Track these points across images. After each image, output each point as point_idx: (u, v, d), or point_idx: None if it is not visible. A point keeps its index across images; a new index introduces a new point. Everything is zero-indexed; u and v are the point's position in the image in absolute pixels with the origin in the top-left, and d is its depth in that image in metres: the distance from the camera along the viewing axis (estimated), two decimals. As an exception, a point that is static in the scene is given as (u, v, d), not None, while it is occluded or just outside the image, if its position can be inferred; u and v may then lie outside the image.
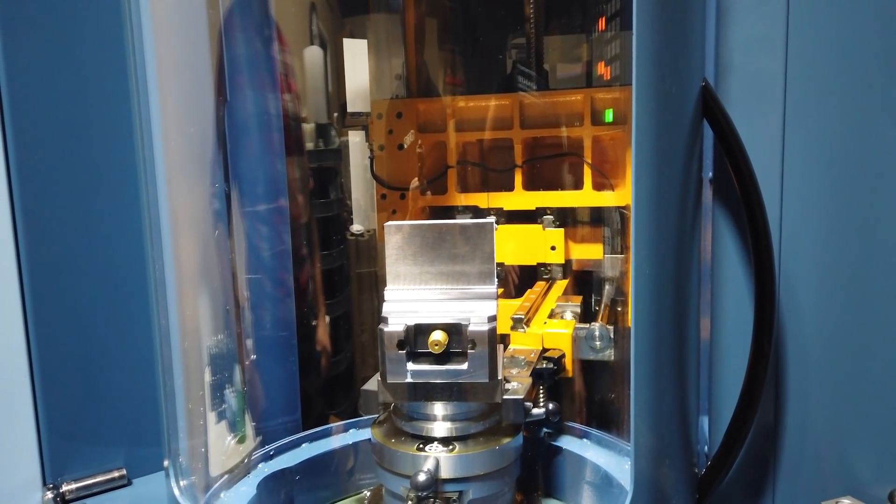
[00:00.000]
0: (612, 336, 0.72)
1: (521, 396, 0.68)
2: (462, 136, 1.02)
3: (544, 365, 0.73)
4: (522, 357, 0.74)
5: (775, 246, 0.62)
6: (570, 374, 0.73)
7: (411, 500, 0.69)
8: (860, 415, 0.59)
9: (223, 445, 0.75)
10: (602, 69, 0.94)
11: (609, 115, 0.90)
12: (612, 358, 0.72)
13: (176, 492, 0.61)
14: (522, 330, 0.75)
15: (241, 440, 0.77)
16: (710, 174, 0.63)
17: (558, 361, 0.72)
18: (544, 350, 0.75)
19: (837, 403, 0.61)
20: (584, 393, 0.76)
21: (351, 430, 0.90)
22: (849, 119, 0.57)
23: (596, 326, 0.73)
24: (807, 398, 0.62)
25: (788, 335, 0.63)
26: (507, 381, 0.68)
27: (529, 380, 0.70)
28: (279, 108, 0.86)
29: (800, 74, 0.59)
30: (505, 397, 0.67)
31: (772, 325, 0.58)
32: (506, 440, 0.72)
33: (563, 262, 0.97)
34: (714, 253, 0.64)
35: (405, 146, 1.04)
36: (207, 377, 0.71)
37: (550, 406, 0.82)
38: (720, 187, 0.63)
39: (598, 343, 0.72)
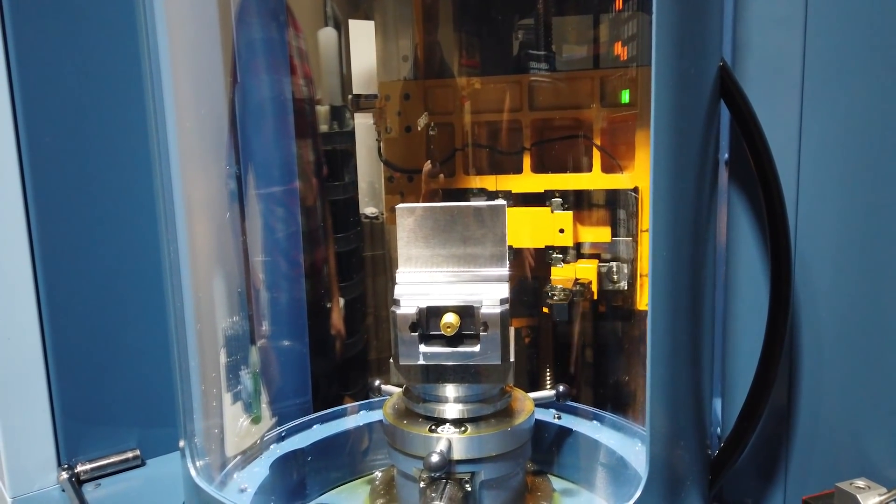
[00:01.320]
0: (625, 272, 0.92)
1: (565, 303, 0.90)
2: (470, 118, 1.02)
3: (577, 288, 0.92)
4: (560, 285, 0.93)
5: (791, 227, 0.61)
6: (595, 297, 0.93)
7: (423, 480, 0.70)
8: (875, 397, 0.59)
9: (238, 426, 0.76)
10: (619, 49, 0.93)
11: (625, 96, 0.90)
12: (624, 289, 0.93)
13: (192, 472, 0.61)
14: (560, 265, 0.94)
15: (257, 420, 0.77)
16: (727, 155, 0.63)
17: (587, 286, 0.93)
18: (577, 280, 0.93)
19: (852, 385, 0.60)
20: (603, 313, 0.98)
21: (362, 412, 0.90)
22: (868, 100, 0.56)
23: (614, 264, 0.93)
24: (820, 380, 0.62)
25: (803, 317, 0.63)
26: (553, 296, 0.91)
27: (569, 296, 0.91)
28: (290, 89, 0.86)
29: (818, 54, 0.58)
30: (551, 303, 0.91)
31: (788, 306, 0.58)
32: (517, 421, 0.72)
33: (571, 244, 0.97)
34: (729, 235, 0.64)
35: (413, 128, 1.03)
36: (222, 358, 0.71)
37: (561, 388, 0.83)
38: (736, 169, 0.63)
39: (615, 276, 0.93)
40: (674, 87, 0.50)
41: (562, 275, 0.95)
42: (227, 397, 0.73)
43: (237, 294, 0.76)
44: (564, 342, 1.01)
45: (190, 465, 0.62)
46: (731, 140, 0.62)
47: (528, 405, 0.76)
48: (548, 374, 1.03)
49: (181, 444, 0.65)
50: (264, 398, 0.80)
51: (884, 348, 0.58)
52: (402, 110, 1.04)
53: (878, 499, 0.53)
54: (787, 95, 0.59)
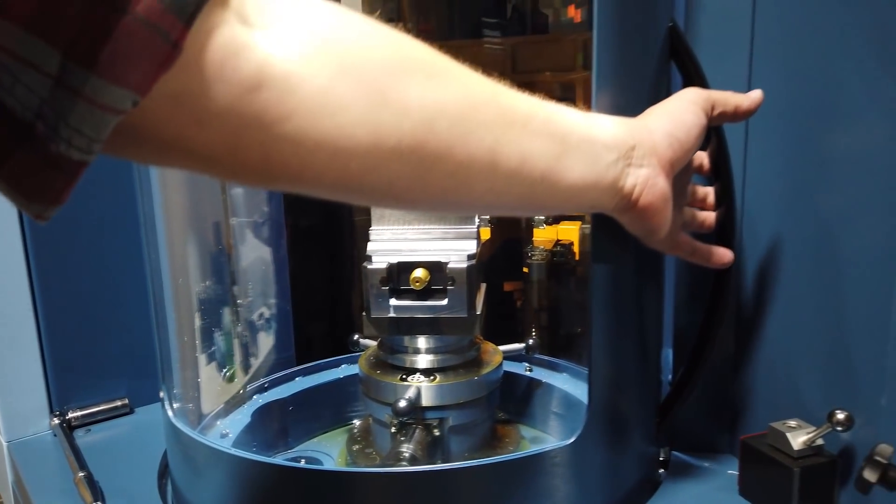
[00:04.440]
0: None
1: (543, 263, 0.94)
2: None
3: (558, 249, 0.95)
4: (541, 246, 0.97)
5: (739, 183, 0.64)
6: (577, 258, 0.95)
7: (395, 426, 0.74)
8: (809, 345, 0.62)
9: (214, 380, 0.80)
10: (572, 12, 0.95)
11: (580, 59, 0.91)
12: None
13: (170, 414, 0.65)
14: (543, 227, 0.97)
15: (231, 378, 0.81)
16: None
17: (568, 248, 0.95)
18: (558, 241, 0.96)
19: (790, 334, 0.63)
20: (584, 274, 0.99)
21: (343, 366, 0.94)
22: (811, 60, 0.58)
23: None
24: (764, 329, 0.65)
25: (749, 270, 0.66)
26: (532, 256, 0.96)
27: (548, 256, 0.95)
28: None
29: (767, 15, 0.59)
30: (530, 262, 0.95)
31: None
32: (485, 371, 0.76)
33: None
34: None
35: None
36: (196, 318, 0.74)
37: (530, 341, 0.87)
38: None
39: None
40: (618, 48, 0.52)
41: (544, 236, 0.98)
42: (201, 353, 0.76)
43: (209, 254, 0.79)
44: (546, 302, 1.04)
45: (168, 409, 0.66)
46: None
47: (497, 357, 0.79)
48: (533, 332, 1.06)
49: (161, 393, 0.69)
50: (237, 357, 0.83)
51: (818, 300, 0.61)
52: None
53: (805, 437, 0.57)
54: (737, 54, 0.60)
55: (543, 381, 0.88)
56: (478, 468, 0.56)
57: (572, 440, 0.57)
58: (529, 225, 1.01)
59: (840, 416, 0.54)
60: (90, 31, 0.27)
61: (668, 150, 0.50)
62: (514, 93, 0.46)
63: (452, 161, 0.41)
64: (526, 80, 0.98)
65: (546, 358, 0.91)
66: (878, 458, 0.50)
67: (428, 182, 0.41)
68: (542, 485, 0.57)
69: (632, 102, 0.54)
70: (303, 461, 0.79)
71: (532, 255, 0.97)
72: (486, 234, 0.98)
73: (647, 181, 0.49)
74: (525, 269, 0.98)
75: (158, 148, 0.36)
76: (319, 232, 1.05)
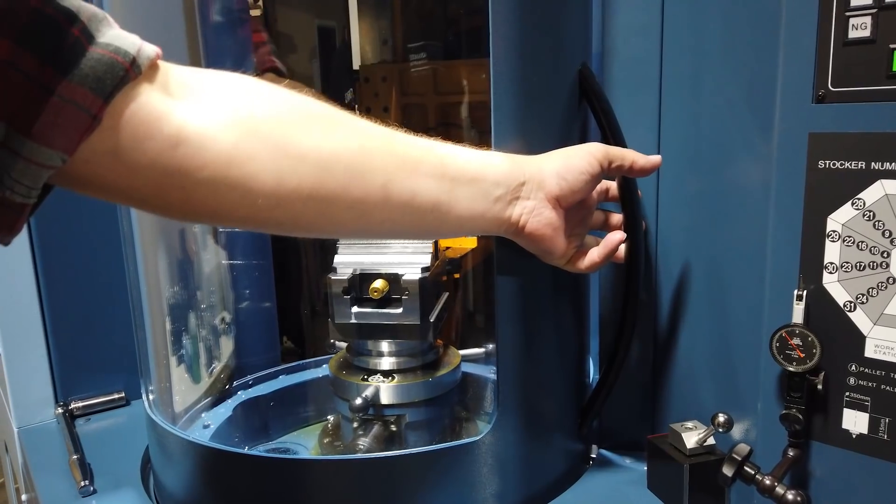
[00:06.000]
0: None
1: None
2: (441, 99, 1.10)
3: None
4: None
5: (653, 212, 0.70)
6: None
7: (357, 421, 0.81)
8: (709, 359, 0.68)
9: (199, 376, 0.88)
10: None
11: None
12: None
13: (146, 405, 0.74)
14: None
15: (198, 380, 0.90)
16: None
17: None
18: None
19: (695, 349, 0.70)
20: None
21: (324, 366, 1.01)
22: (707, 108, 0.64)
23: None
24: (675, 342, 0.71)
25: (663, 290, 0.72)
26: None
27: None
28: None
29: (672, 59, 0.65)
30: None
31: (638, 281, 0.66)
32: (440, 373, 0.83)
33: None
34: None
35: (390, 109, 1.11)
36: (168, 324, 0.83)
37: (489, 346, 0.94)
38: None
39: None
40: (518, 92, 0.59)
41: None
42: (175, 354, 0.85)
43: (186, 262, 0.88)
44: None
45: (146, 401, 0.75)
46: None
47: (455, 360, 0.86)
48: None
49: (142, 391, 0.78)
50: (203, 359, 0.91)
51: (712, 317, 0.67)
52: (379, 91, 1.12)
53: (697, 437, 0.63)
54: (647, 94, 0.66)
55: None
56: (402, 457, 0.64)
57: (479, 437, 0.64)
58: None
59: (721, 418, 0.60)
60: (27, 108, 0.36)
61: (556, 188, 0.57)
62: (411, 140, 0.54)
63: (349, 198, 0.49)
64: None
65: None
66: (734, 456, 0.56)
67: (330, 215, 0.49)
68: (457, 474, 0.64)
69: (539, 137, 0.61)
70: (246, 448, 0.87)
71: None
72: (472, 242, 1.04)
73: (532, 211, 0.56)
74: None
75: (101, 190, 0.45)
76: (303, 244, 1.14)
